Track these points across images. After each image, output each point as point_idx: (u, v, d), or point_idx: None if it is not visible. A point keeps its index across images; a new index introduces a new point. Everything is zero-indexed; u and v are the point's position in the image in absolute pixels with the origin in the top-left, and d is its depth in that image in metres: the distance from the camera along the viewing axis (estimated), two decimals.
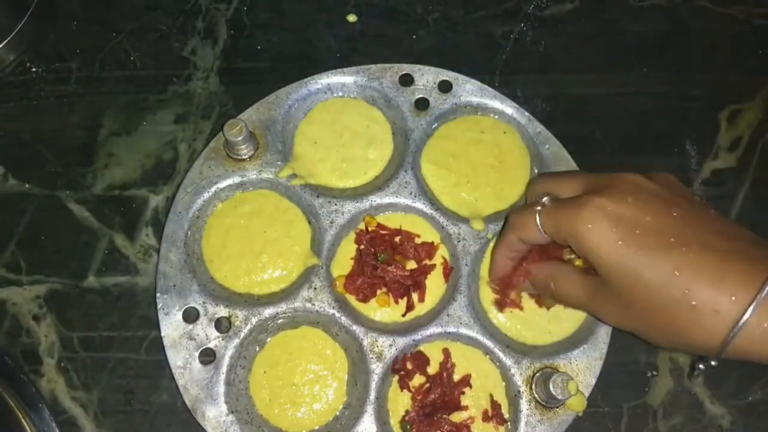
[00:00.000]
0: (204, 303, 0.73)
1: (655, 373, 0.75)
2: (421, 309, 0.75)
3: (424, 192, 0.79)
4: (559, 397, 0.66)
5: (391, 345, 0.72)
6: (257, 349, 0.74)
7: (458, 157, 0.81)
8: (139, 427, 0.73)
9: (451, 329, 0.73)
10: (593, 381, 0.71)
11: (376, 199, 0.78)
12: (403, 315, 0.75)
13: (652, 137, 0.86)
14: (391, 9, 0.93)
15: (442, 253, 0.77)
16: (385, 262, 0.74)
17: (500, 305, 0.74)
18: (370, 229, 0.77)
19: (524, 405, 0.70)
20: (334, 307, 0.73)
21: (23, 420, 0.70)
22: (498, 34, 0.92)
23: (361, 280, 0.74)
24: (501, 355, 0.72)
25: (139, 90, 0.88)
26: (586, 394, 0.70)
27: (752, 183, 0.83)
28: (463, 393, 0.71)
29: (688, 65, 0.89)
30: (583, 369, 0.72)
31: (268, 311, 0.73)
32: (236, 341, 0.72)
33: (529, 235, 0.63)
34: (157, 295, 0.74)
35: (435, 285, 0.76)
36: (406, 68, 0.85)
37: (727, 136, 0.86)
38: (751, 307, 0.49)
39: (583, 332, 0.74)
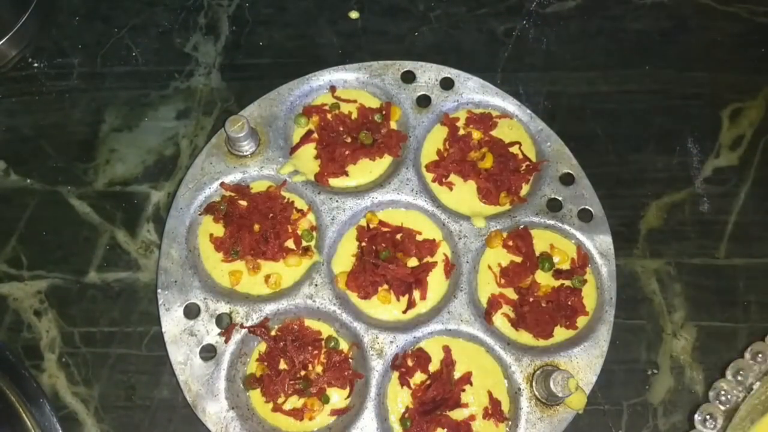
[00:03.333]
0: (205, 299, 0.73)
1: (655, 371, 0.75)
2: (422, 306, 0.75)
3: (426, 189, 0.79)
4: (560, 395, 0.66)
5: (391, 342, 0.72)
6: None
7: None
8: (139, 423, 0.73)
9: (452, 326, 0.73)
10: (594, 379, 0.71)
11: (378, 196, 0.78)
12: (404, 312, 0.75)
13: (654, 135, 0.85)
14: (394, 6, 0.93)
15: (443, 250, 0.77)
16: (386, 259, 0.74)
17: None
18: (371, 226, 0.77)
19: (524, 402, 0.70)
20: (335, 304, 0.73)
21: (24, 415, 0.70)
22: (500, 31, 0.91)
23: (362, 278, 0.74)
24: (501, 352, 0.72)
25: (140, 86, 0.88)
26: (587, 392, 0.70)
27: (754, 181, 0.83)
28: (464, 390, 0.71)
29: (690, 63, 0.89)
30: (583, 367, 0.72)
31: (269, 308, 0.73)
32: (237, 337, 0.72)
33: None
34: (158, 290, 0.74)
35: (436, 282, 0.76)
36: (408, 65, 0.85)
37: (728, 135, 0.85)
38: None
39: (583, 331, 0.74)
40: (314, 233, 0.77)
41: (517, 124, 0.82)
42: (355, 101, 0.83)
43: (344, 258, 0.77)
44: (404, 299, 0.75)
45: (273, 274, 0.75)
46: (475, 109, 0.83)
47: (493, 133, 0.82)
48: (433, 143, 0.82)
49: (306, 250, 0.76)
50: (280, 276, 0.75)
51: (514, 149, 0.81)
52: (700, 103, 0.87)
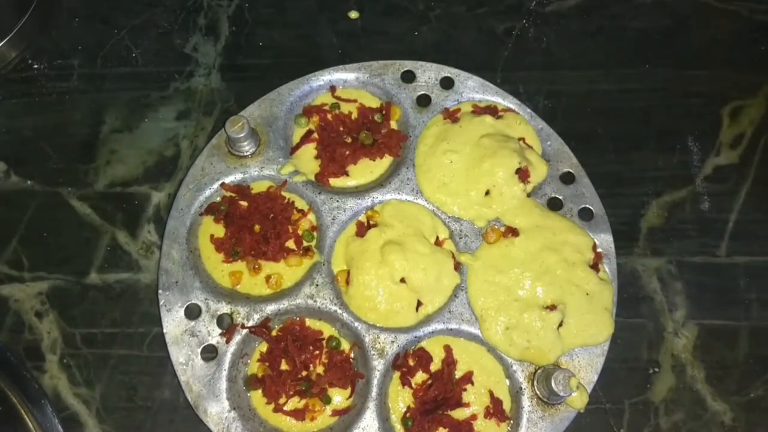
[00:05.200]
0: (206, 300, 0.73)
1: (656, 369, 0.75)
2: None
3: None
4: (561, 394, 0.66)
5: (392, 342, 0.72)
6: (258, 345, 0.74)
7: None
8: (141, 424, 0.73)
9: (453, 326, 0.73)
10: (595, 377, 0.71)
11: (378, 196, 0.78)
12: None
13: (654, 133, 0.85)
14: (393, 5, 0.93)
15: (448, 247, 0.76)
16: None
17: None
18: (371, 222, 0.77)
19: (526, 401, 0.70)
20: (335, 304, 0.73)
21: (26, 416, 0.70)
22: (500, 30, 0.91)
23: None
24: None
25: (140, 86, 0.88)
26: (588, 391, 0.70)
27: (754, 179, 0.83)
28: (465, 390, 0.71)
29: (690, 61, 0.89)
30: (584, 365, 0.71)
31: (270, 308, 0.73)
32: (238, 338, 0.72)
33: None
34: (159, 291, 0.74)
35: None
36: (407, 65, 0.84)
37: (729, 133, 0.85)
38: None
39: None
40: (315, 233, 0.77)
41: (525, 120, 0.82)
42: (355, 101, 0.83)
43: (342, 256, 0.76)
44: None
45: (274, 274, 0.75)
46: (479, 104, 0.83)
47: (500, 125, 0.81)
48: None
49: (307, 251, 0.76)
50: (280, 276, 0.75)
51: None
52: (701, 102, 0.87)
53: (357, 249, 0.74)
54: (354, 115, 0.82)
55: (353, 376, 0.71)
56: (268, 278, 0.75)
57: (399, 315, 0.73)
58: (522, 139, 0.80)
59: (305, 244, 0.76)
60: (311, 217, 0.78)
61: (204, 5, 0.93)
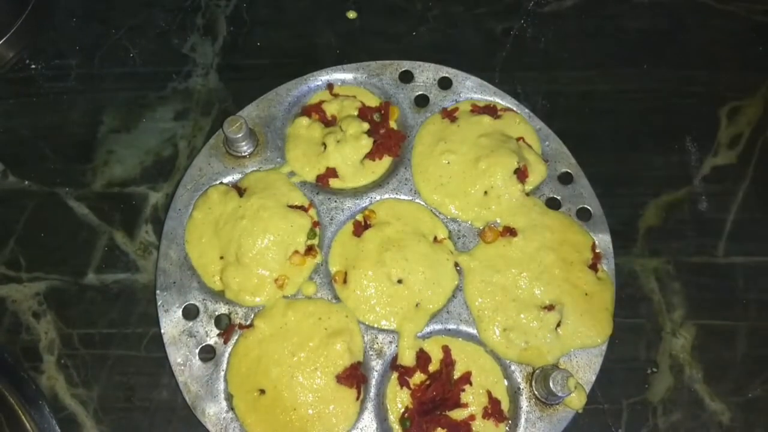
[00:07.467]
0: (204, 300, 0.73)
1: (655, 369, 0.75)
2: None
3: None
4: (559, 394, 0.66)
5: (390, 342, 0.72)
6: None
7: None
8: (139, 425, 0.73)
9: (452, 326, 0.73)
10: (593, 378, 0.71)
11: (377, 196, 0.78)
12: None
13: (652, 134, 0.85)
14: (391, 5, 0.93)
15: (449, 247, 0.76)
16: None
17: None
18: (368, 222, 0.76)
19: (524, 402, 0.70)
20: (334, 304, 0.73)
21: (23, 417, 0.70)
22: (498, 30, 0.91)
23: None
24: None
25: (138, 87, 0.88)
26: (586, 391, 0.70)
27: (752, 180, 0.83)
28: (463, 390, 0.71)
29: (688, 62, 0.89)
30: (583, 366, 0.71)
31: None
32: (236, 338, 0.72)
33: None
34: (157, 292, 0.74)
35: None
36: (405, 65, 0.84)
37: (727, 133, 0.85)
38: None
39: None
40: (317, 229, 0.76)
41: (524, 119, 0.82)
42: (354, 97, 0.83)
43: (338, 254, 0.76)
44: None
45: (281, 275, 0.74)
46: (478, 103, 0.83)
47: (498, 125, 0.81)
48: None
49: (310, 250, 0.75)
50: (286, 277, 0.74)
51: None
52: (699, 102, 0.87)
53: (354, 249, 0.74)
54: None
55: (359, 379, 0.70)
56: (275, 279, 0.74)
57: (397, 316, 0.73)
58: (521, 138, 0.80)
59: (308, 242, 0.75)
60: (312, 212, 0.77)
61: (202, 5, 0.93)
